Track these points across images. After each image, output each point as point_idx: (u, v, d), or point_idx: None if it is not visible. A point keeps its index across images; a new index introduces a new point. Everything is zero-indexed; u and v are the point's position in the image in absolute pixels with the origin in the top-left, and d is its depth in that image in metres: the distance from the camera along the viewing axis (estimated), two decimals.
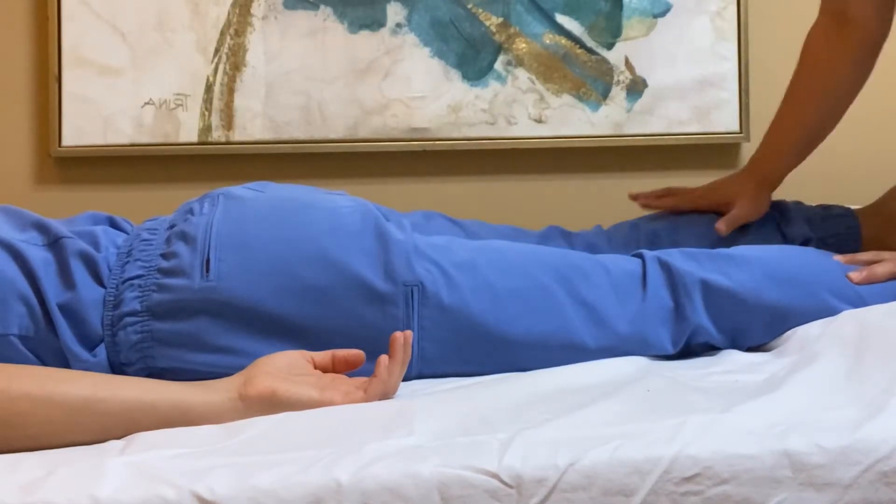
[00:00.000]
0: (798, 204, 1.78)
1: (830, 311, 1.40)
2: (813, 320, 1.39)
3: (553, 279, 1.39)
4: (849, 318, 1.35)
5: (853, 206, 1.79)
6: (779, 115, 1.76)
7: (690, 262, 1.43)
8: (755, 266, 1.43)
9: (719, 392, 1.20)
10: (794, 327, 1.40)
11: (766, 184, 1.74)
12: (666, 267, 1.42)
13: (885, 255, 1.50)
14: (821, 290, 1.43)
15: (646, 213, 1.83)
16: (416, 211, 1.64)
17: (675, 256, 1.44)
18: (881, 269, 1.47)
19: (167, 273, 1.32)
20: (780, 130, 1.75)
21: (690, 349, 1.42)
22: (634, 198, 1.83)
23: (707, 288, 1.40)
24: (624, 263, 1.44)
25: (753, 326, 1.42)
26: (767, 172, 1.75)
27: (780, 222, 1.73)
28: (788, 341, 1.38)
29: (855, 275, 1.45)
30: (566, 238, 1.64)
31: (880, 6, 1.65)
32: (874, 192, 1.79)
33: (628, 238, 1.71)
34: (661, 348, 1.39)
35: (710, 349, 1.43)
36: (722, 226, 1.67)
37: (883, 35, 1.67)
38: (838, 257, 1.49)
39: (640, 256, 1.45)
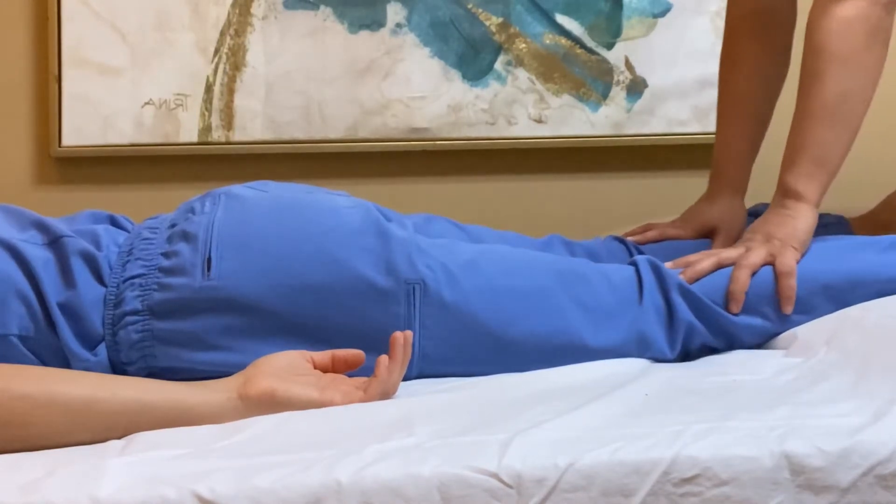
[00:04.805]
0: None
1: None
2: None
3: (554, 282, 1.39)
4: (850, 327, 1.34)
5: (847, 215, 1.78)
6: (722, 119, 1.77)
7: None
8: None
9: (718, 393, 1.20)
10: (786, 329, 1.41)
11: (736, 193, 1.73)
12: (656, 269, 1.44)
13: (713, 252, 1.51)
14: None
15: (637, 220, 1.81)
16: (418, 213, 1.65)
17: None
18: (702, 264, 1.46)
19: (168, 272, 1.32)
20: (729, 135, 1.75)
21: (690, 354, 1.42)
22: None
23: (685, 291, 1.41)
24: (621, 271, 1.45)
25: (738, 333, 1.42)
26: (733, 180, 1.74)
27: None
28: (791, 343, 1.38)
29: (682, 276, 1.44)
30: (567, 247, 1.64)
31: None
32: (868, 201, 1.78)
33: (622, 249, 1.71)
34: (659, 351, 1.39)
35: (710, 352, 1.43)
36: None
37: (794, 13, 1.72)
38: (669, 264, 1.47)
39: (634, 263, 1.46)
